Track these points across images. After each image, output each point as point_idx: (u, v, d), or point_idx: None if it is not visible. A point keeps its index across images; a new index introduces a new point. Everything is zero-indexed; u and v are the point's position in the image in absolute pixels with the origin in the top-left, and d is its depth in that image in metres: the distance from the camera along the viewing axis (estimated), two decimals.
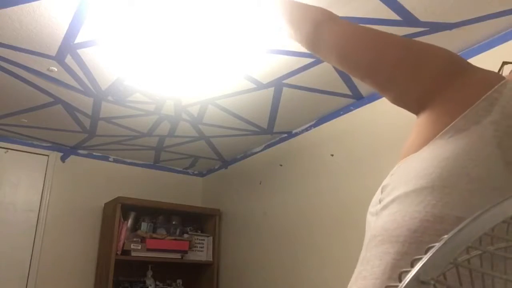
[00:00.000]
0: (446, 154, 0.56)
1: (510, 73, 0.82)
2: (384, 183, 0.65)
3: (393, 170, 0.66)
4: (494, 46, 1.75)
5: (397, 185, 0.60)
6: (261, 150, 3.07)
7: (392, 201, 0.59)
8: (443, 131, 0.58)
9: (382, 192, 0.64)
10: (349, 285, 0.61)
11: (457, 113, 0.58)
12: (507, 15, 1.61)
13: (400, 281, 0.33)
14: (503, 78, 0.61)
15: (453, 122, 0.57)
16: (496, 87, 0.58)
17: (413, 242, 0.53)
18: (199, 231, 3.35)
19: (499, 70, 0.84)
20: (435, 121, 0.61)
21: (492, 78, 0.61)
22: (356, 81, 2.13)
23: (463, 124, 0.56)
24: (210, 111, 2.50)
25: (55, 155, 3.11)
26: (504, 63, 0.83)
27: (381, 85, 0.71)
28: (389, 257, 0.54)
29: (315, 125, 2.63)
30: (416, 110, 0.66)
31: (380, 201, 0.63)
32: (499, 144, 0.54)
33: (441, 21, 1.65)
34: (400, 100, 0.69)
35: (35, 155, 3.04)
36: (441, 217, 0.52)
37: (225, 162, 3.46)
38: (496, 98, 0.57)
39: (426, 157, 0.59)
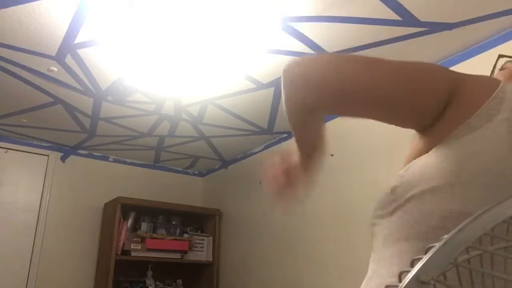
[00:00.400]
0: (463, 152, 0.57)
1: (499, 72, 0.84)
2: (393, 184, 0.66)
3: (402, 171, 0.66)
4: (494, 46, 1.75)
5: (412, 185, 0.61)
6: (261, 150, 3.07)
7: (408, 200, 0.60)
8: (456, 130, 0.59)
9: (392, 193, 0.65)
10: (364, 284, 0.62)
11: (468, 114, 0.59)
12: (507, 15, 1.61)
13: (400, 281, 0.33)
14: (498, 80, 0.63)
15: (467, 121, 0.58)
16: (500, 87, 0.59)
17: (434, 239, 0.54)
18: (199, 231, 3.35)
19: (495, 62, 0.86)
20: (445, 124, 0.62)
21: (489, 80, 0.64)
22: None
23: (476, 123, 0.58)
24: (210, 111, 2.50)
25: (55, 155, 3.10)
26: (500, 56, 0.86)
27: (389, 119, 0.68)
28: (409, 256, 0.55)
29: None
30: (427, 128, 0.66)
31: (392, 202, 0.64)
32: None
33: (441, 21, 1.65)
34: (408, 126, 0.67)
35: (35, 155, 3.03)
36: (462, 213, 0.52)
37: (225, 162, 3.46)
38: (503, 97, 0.59)
39: (441, 155, 0.59)
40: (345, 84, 0.62)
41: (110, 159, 3.34)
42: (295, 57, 0.66)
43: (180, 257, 3.07)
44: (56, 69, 2.03)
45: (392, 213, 0.63)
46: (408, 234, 0.57)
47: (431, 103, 0.62)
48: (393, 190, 0.65)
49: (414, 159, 0.66)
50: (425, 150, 0.64)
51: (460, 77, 0.64)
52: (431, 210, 0.56)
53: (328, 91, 0.63)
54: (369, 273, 0.63)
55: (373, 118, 0.67)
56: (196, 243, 3.19)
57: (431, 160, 0.61)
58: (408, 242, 0.56)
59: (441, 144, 0.61)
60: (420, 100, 0.62)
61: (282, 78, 0.67)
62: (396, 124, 0.67)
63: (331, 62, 0.64)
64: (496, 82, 0.61)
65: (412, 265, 0.33)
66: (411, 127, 0.67)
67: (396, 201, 0.63)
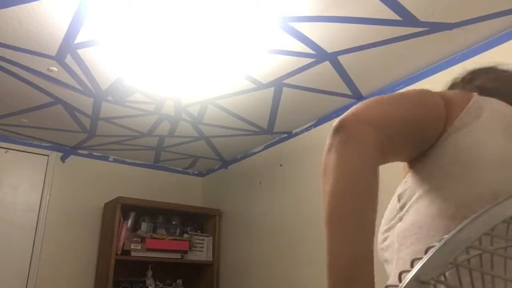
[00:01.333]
0: (465, 145, 0.61)
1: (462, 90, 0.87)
2: (398, 192, 0.68)
3: (404, 179, 0.69)
4: (494, 46, 1.75)
5: (418, 185, 0.63)
6: (261, 150, 3.07)
7: (419, 198, 0.62)
8: (451, 127, 0.62)
9: (399, 200, 0.67)
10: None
11: (456, 114, 0.63)
12: (507, 15, 1.61)
13: (400, 281, 0.33)
14: (467, 91, 0.70)
15: (459, 117, 0.62)
16: (474, 94, 0.66)
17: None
18: (199, 231, 3.35)
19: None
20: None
21: (461, 91, 0.73)
22: (356, 81, 2.13)
23: (467, 119, 0.62)
24: (210, 111, 2.49)
25: (55, 155, 3.10)
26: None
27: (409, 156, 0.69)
28: None
29: (315, 125, 2.62)
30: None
31: (401, 208, 0.65)
32: (504, 133, 0.61)
33: (441, 21, 1.65)
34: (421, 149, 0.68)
35: (35, 155, 3.03)
36: (481, 197, 0.56)
37: (225, 162, 3.46)
38: (480, 102, 0.65)
39: (442, 152, 0.62)
40: (401, 114, 0.63)
41: (110, 159, 3.34)
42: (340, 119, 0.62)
43: (180, 257, 3.07)
44: (56, 69, 2.03)
45: (404, 216, 0.64)
46: (429, 231, 0.58)
47: (440, 118, 0.64)
48: (400, 196, 0.67)
49: (414, 160, 0.67)
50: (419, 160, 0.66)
51: (441, 93, 0.67)
52: (451, 201, 0.57)
53: (391, 122, 0.61)
54: (391, 277, 0.64)
55: (408, 150, 0.66)
56: (196, 243, 3.19)
57: (433, 158, 0.63)
58: (433, 239, 0.56)
59: (438, 142, 0.63)
60: (435, 114, 0.64)
61: (335, 134, 0.63)
62: (416, 149, 0.66)
63: (378, 101, 0.64)
64: (467, 92, 0.68)
65: (412, 265, 0.33)
66: (422, 149, 0.66)
67: (406, 205, 0.64)
